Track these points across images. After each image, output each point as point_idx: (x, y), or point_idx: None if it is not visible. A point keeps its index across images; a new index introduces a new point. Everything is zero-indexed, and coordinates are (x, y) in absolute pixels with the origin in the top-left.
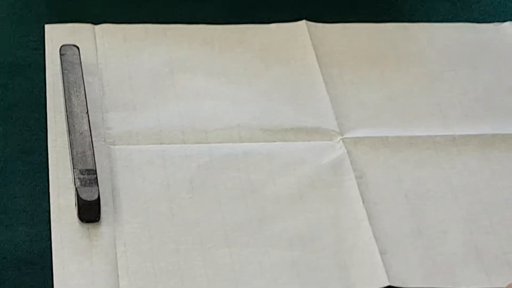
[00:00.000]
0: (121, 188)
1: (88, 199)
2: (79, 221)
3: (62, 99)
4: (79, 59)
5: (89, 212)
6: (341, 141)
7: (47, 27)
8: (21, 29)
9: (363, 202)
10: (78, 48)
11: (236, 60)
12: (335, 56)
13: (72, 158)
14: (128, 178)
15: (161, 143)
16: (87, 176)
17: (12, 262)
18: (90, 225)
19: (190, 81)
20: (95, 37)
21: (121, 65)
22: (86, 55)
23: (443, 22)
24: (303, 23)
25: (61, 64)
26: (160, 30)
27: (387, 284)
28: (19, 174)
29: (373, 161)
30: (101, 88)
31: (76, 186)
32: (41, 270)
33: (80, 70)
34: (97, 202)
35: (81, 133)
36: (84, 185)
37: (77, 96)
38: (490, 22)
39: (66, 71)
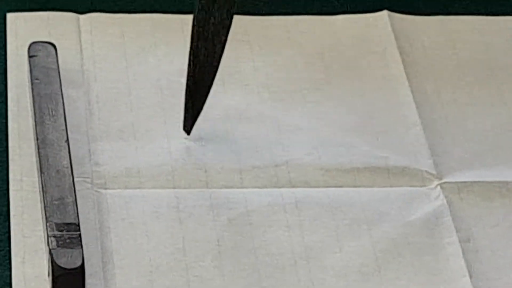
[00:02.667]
0: (115, 251)
1: (68, 267)
2: None
3: (31, 122)
4: (56, 63)
5: (68, 285)
6: (439, 187)
7: (10, 16)
8: None
9: (471, 278)
10: (54, 47)
11: (284, 66)
12: (430, 63)
13: (45, 207)
14: (125, 237)
15: (173, 187)
16: (67, 233)
17: None
18: None
19: (216, 97)
20: (79, 32)
21: (116, 73)
22: (66, 58)
23: None
24: (384, 14)
25: (30, 71)
26: (174, 22)
27: None
28: None
29: (485, 218)
30: (87, 106)
31: (51, 247)
32: None
33: (58, 80)
34: (80, 271)
35: (58, 171)
36: (62, 246)
37: (53, 117)
38: None
39: (37, 81)
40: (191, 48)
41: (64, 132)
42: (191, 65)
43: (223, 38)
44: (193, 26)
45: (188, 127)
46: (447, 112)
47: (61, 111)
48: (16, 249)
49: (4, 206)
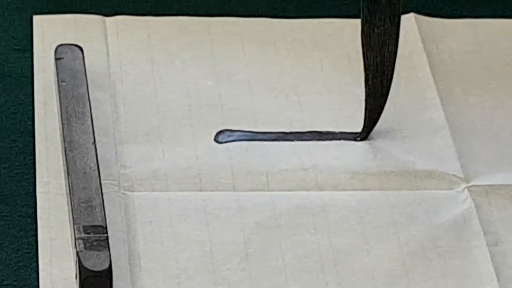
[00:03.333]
0: (142, 253)
1: (95, 269)
2: None
3: (58, 124)
4: (83, 65)
5: (96, 287)
6: (466, 190)
7: (36, 18)
8: None
9: (498, 281)
10: (81, 49)
11: (311, 69)
12: (457, 66)
13: (72, 210)
14: (152, 239)
15: (200, 190)
16: (94, 235)
17: None
18: None
19: (245, 101)
20: (106, 35)
21: (143, 76)
22: (92, 60)
23: None
24: (411, 16)
25: (57, 73)
26: (201, 25)
27: None
28: None
29: None
30: (114, 108)
31: (78, 250)
32: None
33: (85, 82)
34: (107, 274)
35: (85, 173)
36: (90, 249)
37: (80, 119)
38: None
39: (63, 83)
40: (363, 59)
41: (91, 135)
42: (366, 76)
43: (392, 47)
44: (362, 38)
45: (364, 135)
46: (474, 115)
47: (88, 113)
48: (44, 251)
49: (31, 208)
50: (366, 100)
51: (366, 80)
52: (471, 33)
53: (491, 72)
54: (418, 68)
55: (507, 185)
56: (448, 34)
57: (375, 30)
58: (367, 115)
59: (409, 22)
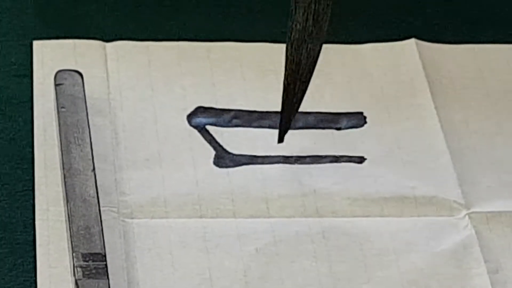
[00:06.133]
0: (141, 281)
1: None
2: None
3: (57, 151)
4: (82, 91)
5: None
6: (467, 217)
7: (36, 43)
8: None
9: None
10: (81, 75)
11: (311, 95)
12: (458, 92)
13: (71, 237)
14: (151, 267)
15: (200, 216)
16: (93, 263)
17: None
18: None
19: (243, 126)
20: (106, 60)
21: (142, 102)
22: (92, 86)
23: None
24: (412, 42)
25: (56, 99)
26: (200, 50)
27: None
28: None
29: None
30: (114, 135)
31: (77, 278)
32: None
33: (84, 108)
34: None
35: (85, 201)
36: (88, 277)
37: (79, 146)
38: None
39: (63, 110)
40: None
41: (91, 161)
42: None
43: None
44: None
45: (280, 139)
46: (475, 141)
47: (88, 140)
48: (42, 279)
49: (30, 236)
50: (282, 96)
51: (284, 76)
52: (472, 58)
53: (492, 98)
54: (419, 94)
55: (508, 212)
56: (449, 60)
57: (297, 26)
58: (282, 111)
59: (410, 48)
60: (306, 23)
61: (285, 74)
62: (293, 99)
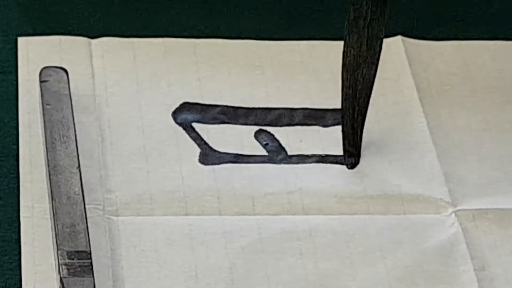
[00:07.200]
0: (126, 279)
1: None
2: None
3: (42, 148)
4: (67, 88)
5: None
6: (453, 214)
7: (21, 40)
8: None
9: None
10: (66, 72)
11: (297, 91)
12: (445, 89)
13: (56, 235)
14: (136, 265)
15: (186, 214)
16: (78, 261)
17: None
18: None
19: (229, 124)
20: (91, 57)
21: (128, 98)
22: (77, 83)
23: None
24: (398, 39)
25: (41, 96)
26: (187, 46)
27: None
28: None
29: (500, 245)
30: (99, 131)
31: (62, 276)
32: None
33: (70, 105)
34: None
35: (70, 198)
36: (73, 275)
37: (65, 143)
38: None
39: (48, 106)
40: (341, 79)
41: (76, 159)
42: (341, 98)
43: (366, 71)
44: (342, 58)
45: (350, 161)
46: (461, 138)
47: (73, 137)
48: (27, 277)
49: (15, 233)
50: (342, 122)
51: (342, 102)
52: (458, 55)
53: (478, 94)
54: (405, 91)
55: (495, 209)
56: (436, 57)
57: (351, 51)
58: (343, 137)
59: (396, 45)
60: (360, 48)
61: (342, 100)
62: (353, 124)
